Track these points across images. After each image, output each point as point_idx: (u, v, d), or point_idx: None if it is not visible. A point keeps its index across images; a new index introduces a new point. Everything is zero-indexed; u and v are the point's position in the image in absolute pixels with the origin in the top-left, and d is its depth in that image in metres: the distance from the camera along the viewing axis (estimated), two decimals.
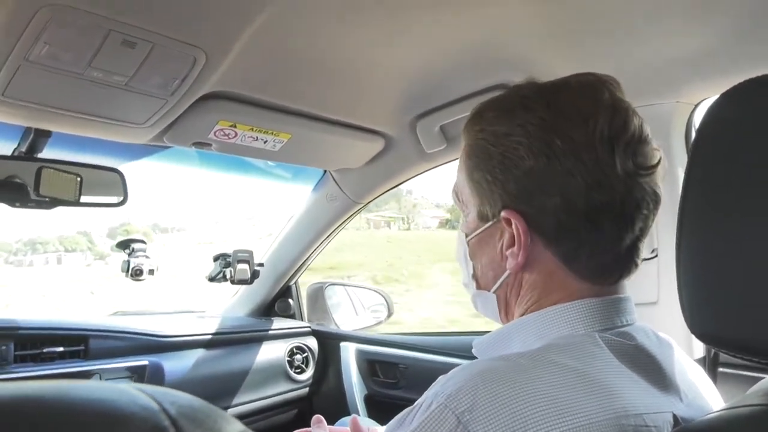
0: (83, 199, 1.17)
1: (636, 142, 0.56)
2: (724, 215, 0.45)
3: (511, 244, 0.59)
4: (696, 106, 1.07)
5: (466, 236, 0.66)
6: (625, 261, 0.59)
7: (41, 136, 1.07)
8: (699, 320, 0.46)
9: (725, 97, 0.48)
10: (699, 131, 0.49)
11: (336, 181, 1.62)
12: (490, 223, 0.62)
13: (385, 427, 0.55)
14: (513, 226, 0.58)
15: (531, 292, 0.61)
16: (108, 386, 0.24)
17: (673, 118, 1.05)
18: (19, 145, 1.10)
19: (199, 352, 1.58)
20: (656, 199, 0.58)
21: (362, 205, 1.70)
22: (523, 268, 0.60)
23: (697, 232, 0.47)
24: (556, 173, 0.56)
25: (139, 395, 0.23)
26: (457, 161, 0.68)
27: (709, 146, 0.48)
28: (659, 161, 0.58)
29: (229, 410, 1.57)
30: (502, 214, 0.59)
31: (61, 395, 0.22)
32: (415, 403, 0.51)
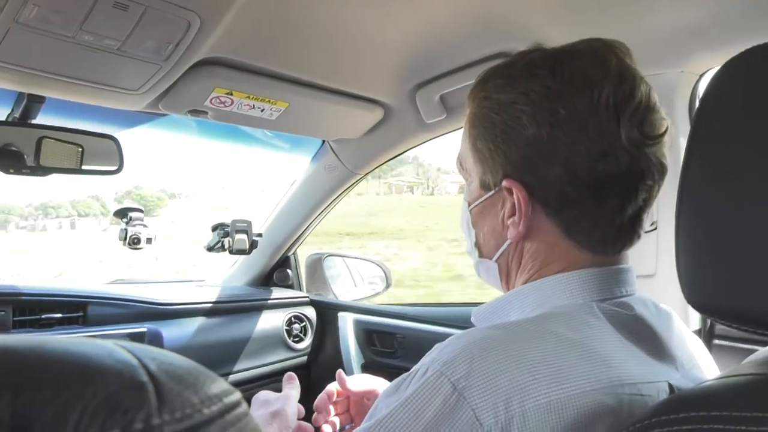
0: (84, 165, 1.16)
1: (643, 110, 0.55)
2: (726, 185, 0.44)
3: (512, 214, 0.59)
4: (701, 76, 1.05)
5: (469, 204, 0.66)
6: (627, 232, 0.58)
7: (35, 102, 1.06)
8: (696, 290, 0.46)
9: (728, 66, 0.47)
10: (702, 101, 0.48)
11: (334, 152, 1.60)
12: (492, 192, 0.61)
13: (380, 393, 0.55)
14: (514, 195, 0.58)
15: (532, 261, 0.61)
16: (86, 341, 0.23)
17: (677, 88, 1.03)
18: (12, 110, 1.09)
19: (198, 320, 1.59)
20: (662, 170, 0.57)
21: (361, 176, 1.69)
22: (525, 237, 0.60)
23: (697, 201, 0.46)
24: (559, 143, 0.55)
25: (117, 349, 0.23)
26: (457, 132, 0.68)
27: (711, 116, 0.47)
28: (666, 130, 0.57)
29: (229, 377, 1.59)
30: (503, 183, 0.59)
31: (34, 348, 0.21)
32: (411, 370, 0.52)
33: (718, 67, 0.48)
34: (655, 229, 1.00)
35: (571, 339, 0.50)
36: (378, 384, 0.88)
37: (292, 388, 0.88)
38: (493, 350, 0.48)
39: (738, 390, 0.42)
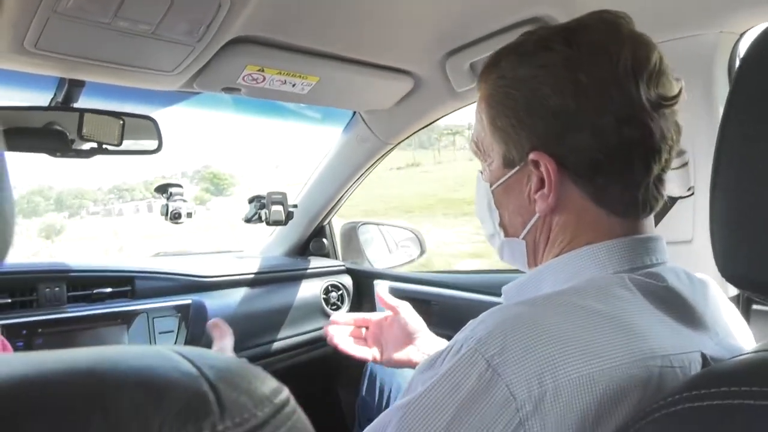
0: (124, 144, 1.20)
1: (657, 73, 0.56)
2: (764, 153, 0.43)
3: (540, 187, 0.60)
4: (741, 36, 1.00)
5: (491, 185, 0.66)
6: (652, 193, 0.59)
7: (75, 86, 1.09)
8: (730, 262, 0.45)
9: None
10: (742, 62, 0.47)
11: (366, 122, 1.61)
12: (517, 168, 0.62)
13: (414, 369, 0.57)
14: (542, 167, 0.59)
15: (562, 234, 0.61)
16: (146, 351, 0.25)
17: (716, 50, 0.99)
18: (55, 95, 1.13)
19: (240, 291, 1.65)
20: (678, 130, 0.59)
21: (392, 146, 1.69)
22: (554, 210, 0.60)
23: (733, 170, 0.45)
24: (585, 110, 0.56)
25: (179, 360, 0.24)
26: None
27: (752, 79, 0.45)
28: (680, 91, 0.58)
29: (272, 345, 1.65)
30: (530, 156, 0.59)
31: (108, 366, 0.22)
32: (445, 347, 0.53)
33: (760, 26, 0.47)
34: (693, 194, 0.98)
35: (602, 312, 0.51)
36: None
37: (223, 337, 0.89)
38: (526, 326, 0.49)
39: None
